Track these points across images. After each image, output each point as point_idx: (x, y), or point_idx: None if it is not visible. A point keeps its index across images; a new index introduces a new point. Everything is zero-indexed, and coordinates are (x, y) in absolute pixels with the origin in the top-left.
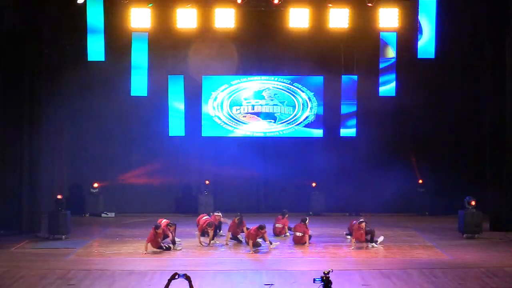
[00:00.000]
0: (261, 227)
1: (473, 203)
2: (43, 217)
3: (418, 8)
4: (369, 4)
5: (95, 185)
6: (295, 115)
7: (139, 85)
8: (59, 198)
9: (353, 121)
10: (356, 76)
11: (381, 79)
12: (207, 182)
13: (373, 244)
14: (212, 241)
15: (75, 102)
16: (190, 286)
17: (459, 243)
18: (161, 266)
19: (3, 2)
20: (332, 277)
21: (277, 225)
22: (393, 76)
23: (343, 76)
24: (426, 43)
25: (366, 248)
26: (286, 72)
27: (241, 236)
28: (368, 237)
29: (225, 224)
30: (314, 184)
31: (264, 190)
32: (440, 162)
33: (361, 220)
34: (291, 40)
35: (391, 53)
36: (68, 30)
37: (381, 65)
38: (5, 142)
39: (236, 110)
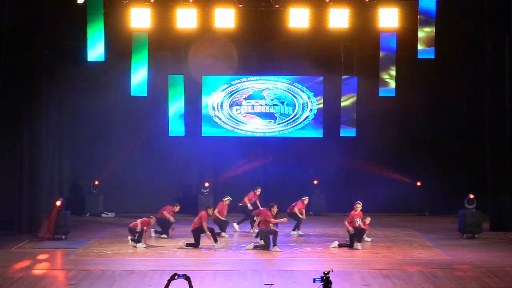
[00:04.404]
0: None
1: (471, 196)
2: (43, 217)
3: (418, 8)
4: (367, 0)
5: (96, 182)
6: (295, 115)
7: (139, 85)
8: (59, 205)
9: (353, 121)
10: (356, 76)
11: (381, 79)
12: (206, 184)
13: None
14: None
15: (75, 102)
16: (190, 286)
17: (459, 243)
18: (161, 266)
19: (3, 2)
20: (332, 277)
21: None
22: (393, 76)
23: (343, 76)
24: (426, 43)
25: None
26: (286, 72)
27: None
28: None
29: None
30: (315, 182)
31: (264, 190)
32: (440, 162)
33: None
34: (291, 40)
35: (391, 53)
36: (68, 30)
37: (381, 65)
38: (5, 142)
39: (236, 110)
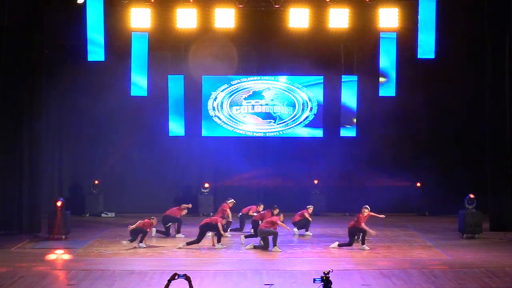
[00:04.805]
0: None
1: (471, 196)
2: (43, 217)
3: (418, 8)
4: (367, 0)
5: (96, 182)
6: (295, 115)
7: (139, 85)
8: (59, 205)
9: (353, 121)
10: (356, 76)
11: (381, 79)
12: (206, 184)
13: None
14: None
15: (75, 102)
16: (190, 286)
17: (459, 243)
18: (161, 266)
19: (3, 2)
20: (332, 277)
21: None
22: (393, 76)
23: (343, 76)
24: (426, 43)
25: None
26: (286, 72)
27: None
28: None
29: None
30: (316, 182)
31: (264, 190)
32: (440, 162)
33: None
34: (291, 40)
35: (391, 53)
36: (68, 30)
37: (381, 65)
38: (5, 142)
39: (236, 110)
